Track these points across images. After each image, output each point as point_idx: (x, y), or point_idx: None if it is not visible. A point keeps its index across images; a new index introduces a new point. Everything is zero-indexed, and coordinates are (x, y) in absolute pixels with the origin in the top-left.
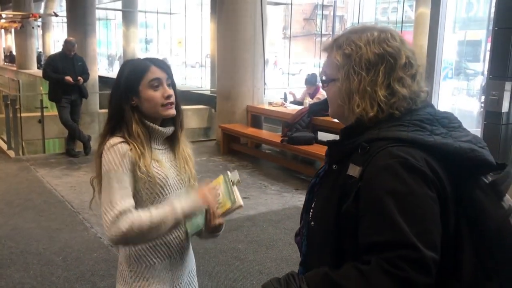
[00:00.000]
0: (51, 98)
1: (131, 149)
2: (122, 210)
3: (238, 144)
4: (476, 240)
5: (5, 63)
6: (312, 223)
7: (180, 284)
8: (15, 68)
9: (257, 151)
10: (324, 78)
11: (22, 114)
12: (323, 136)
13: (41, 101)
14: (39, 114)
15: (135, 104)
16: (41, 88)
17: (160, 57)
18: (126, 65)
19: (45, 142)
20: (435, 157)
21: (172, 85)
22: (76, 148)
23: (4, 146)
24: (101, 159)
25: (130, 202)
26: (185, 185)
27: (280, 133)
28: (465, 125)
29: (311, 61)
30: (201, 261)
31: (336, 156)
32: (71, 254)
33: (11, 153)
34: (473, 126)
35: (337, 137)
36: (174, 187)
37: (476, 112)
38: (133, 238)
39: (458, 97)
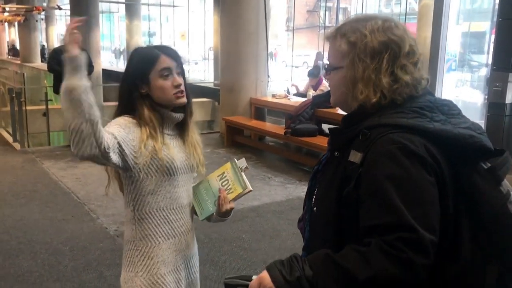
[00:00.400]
0: (56, 91)
1: (138, 124)
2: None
3: (242, 137)
4: (474, 224)
5: (9, 57)
6: (315, 208)
7: (183, 266)
8: (19, 62)
9: (261, 143)
10: (327, 66)
11: (27, 107)
12: (327, 128)
13: (46, 94)
14: (43, 107)
15: (145, 92)
16: (45, 81)
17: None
18: (136, 54)
19: (50, 134)
20: (434, 143)
21: (182, 73)
22: None
23: (10, 139)
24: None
25: (113, 133)
26: (193, 170)
27: (284, 125)
28: (469, 116)
29: (315, 53)
30: (205, 250)
31: (338, 143)
32: (77, 244)
33: (17, 146)
34: (477, 118)
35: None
36: (181, 171)
37: (480, 104)
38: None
39: (462, 89)
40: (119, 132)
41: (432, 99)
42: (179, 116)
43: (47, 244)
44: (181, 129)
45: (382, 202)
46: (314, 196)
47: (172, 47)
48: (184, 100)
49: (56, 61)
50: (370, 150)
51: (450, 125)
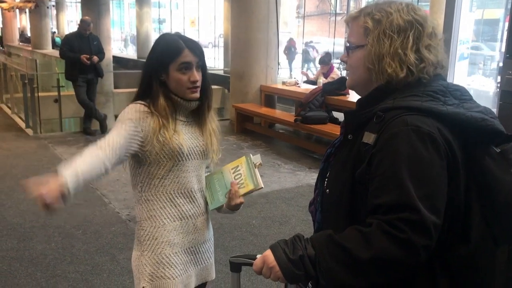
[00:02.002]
0: (67, 77)
1: (151, 114)
2: (99, 143)
3: (252, 124)
4: (485, 206)
5: (20, 43)
6: (327, 190)
7: (192, 250)
8: (30, 48)
9: (271, 131)
10: (348, 46)
11: (40, 94)
12: (338, 115)
13: (58, 80)
14: (56, 93)
15: (164, 80)
16: (56, 68)
17: None
18: (162, 41)
19: (62, 121)
20: (447, 126)
21: (202, 67)
22: (92, 126)
23: (23, 125)
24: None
25: (114, 144)
26: (206, 157)
27: (294, 113)
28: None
29: (326, 40)
30: (216, 235)
31: (352, 125)
32: (90, 228)
33: (30, 132)
34: (489, 106)
35: None
36: (190, 156)
37: (492, 93)
38: None
39: (474, 77)
40: (122, 133)
41: (445, 84)
42: (193, 104)
43: (60, 228)
44: (197, 116)
45: (390, 181)
46: (326, 179)
47: (197, 41)
48: (196, 96)
49: (68, 47)
50: (383, 131)
51: (462, 109)
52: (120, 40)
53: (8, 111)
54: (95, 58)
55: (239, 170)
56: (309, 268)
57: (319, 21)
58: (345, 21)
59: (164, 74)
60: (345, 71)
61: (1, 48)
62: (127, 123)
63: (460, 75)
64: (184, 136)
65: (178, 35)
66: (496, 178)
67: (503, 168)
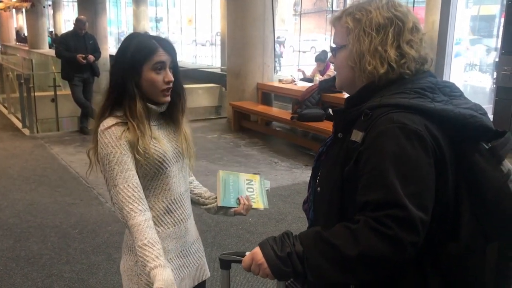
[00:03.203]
0: (63, 77)
1: (128, 129)
2: (137, 209)
3: (249, 122)
4: (475, 203)
5: (17, 43)
6: (318, 189)
7: (185, 253)
8: (26, 48)
9: (267, 128)
10: (333, 48)
11: (36, 94)
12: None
13: (54, 80)
14: (52, 93)
15: (137, 81)
16: (53, 67)
17: (170, 36)
18: (133, 41)
19: (59, 120)
20: (435, 122)
21: (174, 67)
22: (89, 126)
23: (19, 125)
24: (97, 139)
25: (135, 186)
26: (185, 158)
27: (290, 110)
28: (477, 101)
29: (323, 38)
30: (212, 233)
31: (341, 124)
32: (86, 227)
33: (26, 131)
34: (486, 102)
35: None
36: (172, 161)
37: (488, 89)
38: (129, 230)
39: (471, 73)
40: (125, 167)
41: (433, 81)
42: (163, 107)
43: (56, 227)
44: (168, 118)
45: (377, 178)
46: (318, 177)
47: (169, 40)
48: (168, 99)
49: (64, 46)
50: (370, 129)
51: (451, 105)
52: (117, 39)
53: (5, 111)
54: (91, 58)
55: (253, 185)
56: (297, 264)
57: (316, 18)
58: (330, 23)
59: (137, 75)
60: None
61: None
62: (119, 156)
63: (456, 71)
64: (163, 140)
65: (149, 34)
66: (485, 175)
67: (492, 164)
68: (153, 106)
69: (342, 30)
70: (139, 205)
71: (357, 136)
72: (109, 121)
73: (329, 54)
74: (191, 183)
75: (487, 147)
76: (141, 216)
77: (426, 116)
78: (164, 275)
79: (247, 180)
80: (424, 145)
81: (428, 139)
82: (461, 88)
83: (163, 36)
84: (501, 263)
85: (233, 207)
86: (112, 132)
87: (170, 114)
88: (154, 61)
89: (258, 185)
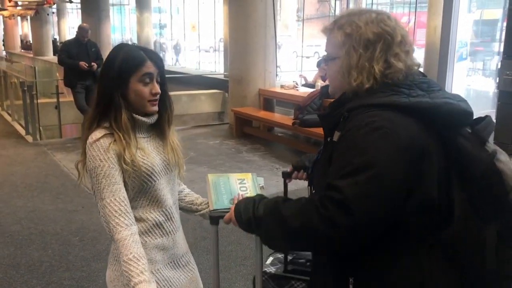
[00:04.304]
0: (66, 84)
1: (114, 140)
2: (123, 223)
3: (251, 128)
4: (466, 186)
5: (22, 50)
6: (313, 191)
7: (172, 265)
8: (31, 55)
9: (269, 134)
10: (326, 57)
11: (40, 100)
12: None
13: (57, 87)
14: (55, 100)
15: (124, 92)
16: (57, 74)
17: (174, 42)
18: (121, 51)
19: (62, 127)
20: (412, 116)
21: (162, 79)
22: None
23: (23, 132)
24: (85, 150)
25: (122, 200)
26: (174, 169)
27: (292, 116)
28: (480, 105)
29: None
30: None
31: (327, 128)
32: (87, 234)
33: (29, 138)
34: (489, 107)
35: None
36: (161, 173)
37: (491, 93)
38: (115, 244)
39: (474, 78)
40: (113, 181)
41: (411, 78)
42: (150, 120)
43: (57, 234)
44: (156, 129)
45: (336, 164)
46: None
47: (156, 52)
48: (155, 108)
49: (66, 54)
50: (345, 128)
51: (427, 98)
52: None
53: (9, 118)
54: (95, 66)
55: (245, 183)
56: (253, 229)
57: (319, 24)
58: (322, 32)
59: (124, 86)
60: None
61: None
62: (106, 169)
63: (459, 76)
64: (151, 154)
65: (137, 45)
66: (472, 157)
67: (477, 145)
68: (142, 118)
69: (333, 41)
70: (125, 219)
71: (336, 136)
72: (97, 134)
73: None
74: (182, 191)
75: (469, 130)
76: (127, 231)
77: (401, 111)
78: None
79: (238, 179)
80: (392, 140)
81: (398, 134)
82: (464, 93)
83: (165, 42)
84: (502, 245)
85: (228, 208)
86: (100, 145)
87: (158, 126)
88: (142, 73)
89: (251, 183)
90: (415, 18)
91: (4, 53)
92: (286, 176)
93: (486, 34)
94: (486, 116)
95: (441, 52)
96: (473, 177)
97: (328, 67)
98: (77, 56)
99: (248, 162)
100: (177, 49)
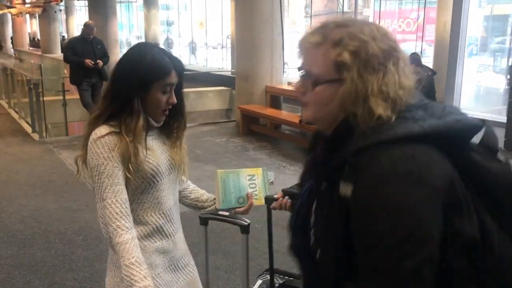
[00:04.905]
0: (72, 81)
1: (121, 140)
2: (124, 226)
3: (258, 125)
4: (489, 204)
5: (30, 48)
6: (319, 251)
7: (172, 268)
8: (39, 53)
9: (277, 132)
10: (313, 78)
11: (46, 98)
12: None
13: (63, 84)
14: (61, 97)
15: (143, 97)
16: (65, 71)
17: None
18: (147, 56)
19: (70, 125)
20: (431, 143)
21: (180, 87)
22: None
23: (29, 129)
24: (88, 147)
25: (124, 201)
26: (177, 169)
27: (299, 113)
28: (491, 102)
29: None
30: (217, 240)
31: (322, 173)
32: (91, 233)
33: (35, 136)
34: (500, 103)
35: None
36: (165, 173)
37: (502, 90)
38: (113, 249)
39: (484, 74)
40: (116, 181)
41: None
42: (160, 123)
43: (61, 234)
44: (161, 128)
45: (374, 239)
46: (312, 229)
47: (180, 61)
48: (164, 119)
49: (72, 51)
50: (360, 179)
51: (433, 118)
52: (129, 43)
53: (16, 116)
54: (100, 63)
55: (255, 180)
56: None
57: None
58: (299, 46)
59: (145, 92)
60: None
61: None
62: (110, 168)
63: (469, 72)
64: (158, 151)
65: (162, 50)
66: (487, 170)
67: (489, 157)
68: (154, 123)
69: (327, 60)
70: (126, 222)
71: (346, 189)
72: (102, 130)
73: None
74: (187, 188)
75: (476, 142)
76: (128, 234)
77: (419, 141)
78: None
79: (248, 176)
80: (428, 185)
81: (432, 176)
82: (474, 90)
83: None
84: None
85: (235, 208)
86: (105, 142)
87: (166, 126)
88: (165, 83)
89: (261, 180)
90: (424, 14)
91: (12, 50)
92: (270, 202)
93: (497, 30)
94: (483, 121)
95: (450, 48)
96: (493, 194)
97: (315, 91)
98: (82, 53)
99: (254, 160)
100: (192, 47)
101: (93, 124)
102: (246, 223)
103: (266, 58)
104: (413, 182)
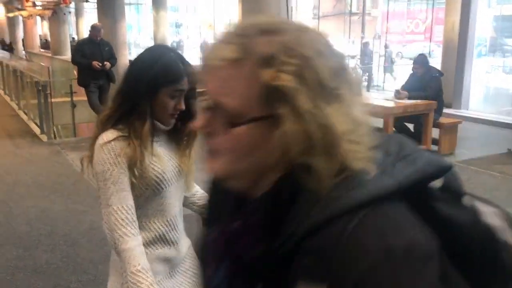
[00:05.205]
0: (80, 83)
1: (129, 145)
2: (130, 233)
3: None
4: (459, 259)
5: (41, 50)
6: None
7: (175, 272)
8: (50, 54)
9: None
10: (229, 114)
11: (54, 100)
12: None
13: (71, 86)
14: (68, 99)
15: (151, 101)
16: (75, 73)
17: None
18: (160, 61)
19: (76, 126)
20: (404, 196)
21: (192, 96)
22: None
23: (38, 131)
24: (95, 151)
25: (129, 208)
26: (183, 176)
27: None
28: (499, 103)
29: (342, 40)
30: None
31: (260, 270)
32: (95, 235)
33: (44, 137)
34: (508, 104)
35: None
36: (171, 181)
37: (511, 91)
38: (119, 256)
39: (493, 75)
40: (121, 188)
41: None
42: (168, 127)
43: (66, 235)
44: (171, 134)
45: None
46: None
47: (194, 67)
48: (172, 122)
49: (80, 53)
50: (337, 272)
51: (402, 163)
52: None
53: (25, 117)
54: (108, 65)
55: None
56: None
57: (336, 21)
58: (203, 62)
59: (153, 96)
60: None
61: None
62: (116, 174)
63: (478, 73)
64: (164, 158)
65: (179, 56)
66: (454, 221)
67: (452, 203)
68: (162, 126)
69: (250, 85)
70: (131, 228)
71: None
72: (109, 135)
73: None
74: (195, 194)
75: (436, 187)
76: (134, 241)
77: (390, 200)
78: None
79: None
80: (432, 258)
81: (421, 246)
82: (483, 91)
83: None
84: None
85: None
86: (111, 148)
87: (175, 131)
88: (175, 89)
89: None
90: (432, 14)
91: (23, 53)
92: None
93: (507, 30)
94: (446, 163)
95: (459, 49)
96: (463, 245)
97: (232, 133)
98: (90, 55)
99: None
100: (203, 48)
101: (103, 126)
102: None
103: None
104: (418, 259)
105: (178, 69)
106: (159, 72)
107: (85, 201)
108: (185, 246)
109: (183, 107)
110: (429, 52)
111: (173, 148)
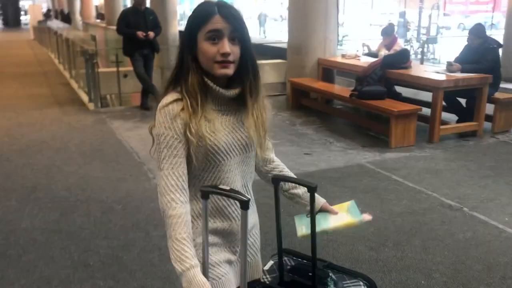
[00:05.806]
0: (125, 53)
1: (183, 108)
2: (178, 200)
3: (308, 99)
4: None
5: (97, 20)
6: None
7: (234, 249)
8: (104, 25)
9: (327, 106)
10: None
11: (102, 70)
12: (401, 90)
13: (116, 56)
14: (120, 69)
15: (195, 53)
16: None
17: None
18: (195, 8)
19: (122, 96)
20: None
21: (241, 39)
22: (149, 101)
23: (86, 99)
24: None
25: (180, 175)
26: (251, 150)
27: (352, 88)
28: None
29: (398, 10)
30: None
31: None
32: (130, 203)
33: (91, 106)
34: None
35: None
36: (231, 153)
37: None
38: (165, 221)
39: None
40: (174, 153)
41: None
42: (230, 93)
43: (102, 202)
44: (239, 103)
45: None
46: None
47: (235, 7)
48: (228, 71)
49: (124, 23)
50: None
51: None
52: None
53: (75, 86)
54: (151, 34)
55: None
56: None
57: None
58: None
59: (193, 46)
60: (407, 43)
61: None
62: (170, 139)
63: None
64: (219, 127)
65: (218, 2)
66: None
67: None
68: (218, 89)
69: None
70: (181, 195)
71: None
72: (168, 98)
73: (396, 28)
74: (282, 171)
75: None
76: (182, 208)
77: None
78: (200, 279)
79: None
80: None
81: None
82: None
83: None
84: None
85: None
86: (168, 111)
87: (242, 98)
88: (207, 29)
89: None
90: None
91: (81, 23)
92: (277, 182)
93: None
94: None
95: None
96: None
97: None
98: (134, 24)
99: (300, 135)
100: (261, 20)
101: (165, 89)
102: (246, 199)
103: (319, 29)
104: None
105: (207, 7)
106: (192, 18)
107: (124, 168)
108: (253, 217)
109: (227, 49)
110: (491, 23)
111: (239, 118)
